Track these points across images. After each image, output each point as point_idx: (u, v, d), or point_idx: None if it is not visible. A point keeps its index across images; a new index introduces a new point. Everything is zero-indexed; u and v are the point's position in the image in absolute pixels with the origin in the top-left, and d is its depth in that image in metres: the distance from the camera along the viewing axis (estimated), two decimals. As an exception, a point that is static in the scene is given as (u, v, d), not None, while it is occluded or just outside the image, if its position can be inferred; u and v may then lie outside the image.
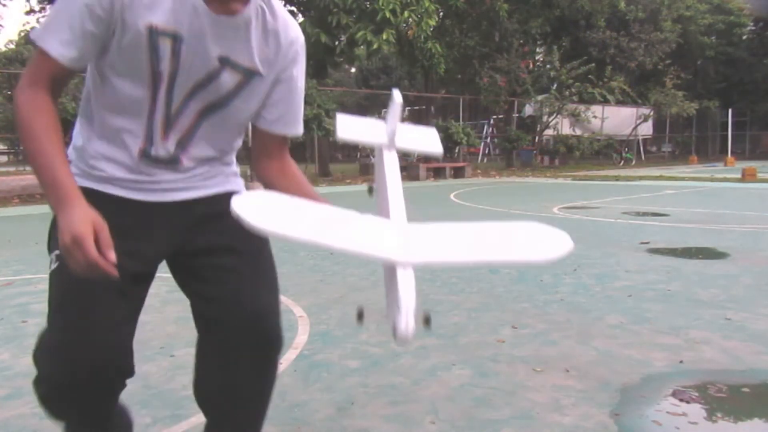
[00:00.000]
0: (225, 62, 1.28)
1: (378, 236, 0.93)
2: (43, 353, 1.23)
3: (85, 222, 1.10)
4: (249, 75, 1.32)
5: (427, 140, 1.54)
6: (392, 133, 1.34)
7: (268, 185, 1.42)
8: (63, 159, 1.20)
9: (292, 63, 1.38)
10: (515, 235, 0.98)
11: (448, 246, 0.94)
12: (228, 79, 1.31)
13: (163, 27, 1.21)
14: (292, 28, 1.37)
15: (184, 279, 1.44)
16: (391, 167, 1.26)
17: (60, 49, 1.19)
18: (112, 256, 1.11)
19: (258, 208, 0.88)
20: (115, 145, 1.33)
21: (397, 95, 1.36)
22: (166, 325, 3.33)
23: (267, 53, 1.33)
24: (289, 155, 1.48)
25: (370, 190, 1.35)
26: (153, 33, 1.21)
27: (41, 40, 1.20)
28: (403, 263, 0.87)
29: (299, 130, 1.46)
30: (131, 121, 1.31)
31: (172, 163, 1.36)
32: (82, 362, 1.19)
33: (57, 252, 1.22)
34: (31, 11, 25.16)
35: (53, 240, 1.26)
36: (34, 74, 1.22)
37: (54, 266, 1.26)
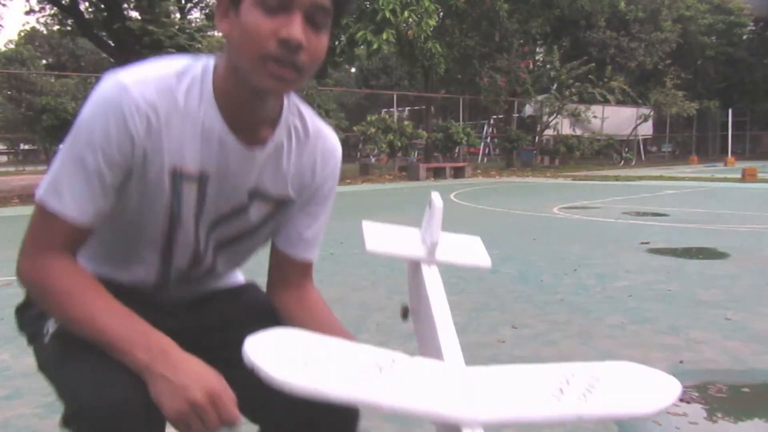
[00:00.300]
0: (255, 195, 1.14)
1: (433, 387, 0.73)
2: (77, 391, 0.96)
3: (216, 376, 0.93)
4: (281, 204, 1.18)
5: (472, 251, 1.29)
6: (433, 245, 1.13)
7: (285, 318, 1.23)
8: (132, 312, 0.99)
9: (328, 179, 1.22)
10: (607, 379, 0.77)
11: (523, 396, 0.73)
12: (258, 211, 1.16)
13: (189, 170, 1.05)
14: (329, 140, 1.21)
15: (212, 355, 1.25)
16: (433, 287, 1.02)
17: (76, 208, 0.98)
18: (238, 414, 0.94)
19: (278, 354, 0.71)
20: (121, 273, 1.17)
21: (436, 199, 1.15)
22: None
23: (302, 176, 1.18)
24: (311, 284, 1.28)
25: (405, 314, 1.12)
26: (177, 177, 1.05)
27: (51, 200, 0.98)
28: (470, 423, 0.68)
29: (315, 254, 1.27)
30: (143, 256, 1.15)
31: (188, 284, 1.24)
32: (121, 388, 0.95)
33: (51, 321, 1.09)
34: (31, 11, 25.12)
35: (32, 318, 1.16)
36: (45, 240, 1.00)
37: (54, 329, 1.09)
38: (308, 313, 1.22)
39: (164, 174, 1.03)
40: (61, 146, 1.04)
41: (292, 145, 1.14)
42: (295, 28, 0.92)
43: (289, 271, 1.24)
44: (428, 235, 1.16)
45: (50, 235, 0.99)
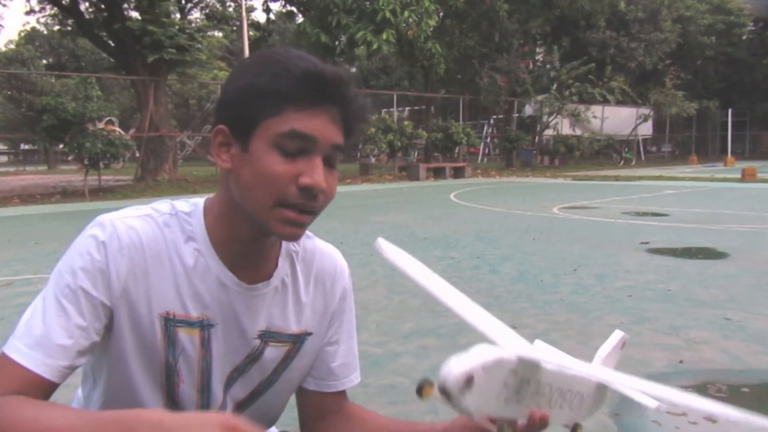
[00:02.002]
0: (267, 337, 1.03)
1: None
2: None
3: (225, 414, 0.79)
4: (298, 340, 1.07)
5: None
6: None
7: None
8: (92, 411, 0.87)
9: (342, 301, 1.13)
10: None
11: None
12: (273, 355, 1.05)
13: (184, 315, 0.95)
14: (332, 258, 1.12)
15: None
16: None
17: (48, 362, 0.85)
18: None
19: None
20: None
21: (617, 336, 1.01)
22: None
23: (314, 304, 1.08)
24: (349, 402, 1.16)
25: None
26: (170, 323, 0.95)
27: (20, 354, 0.85)
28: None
29: (358, 376, 1.16)
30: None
31: None
32: None
33: None
34: (31, 11, 25.15)
35: None
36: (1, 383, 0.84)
37: None
38: (355, 425, 1.13)
39: (154, 319, 0.94)
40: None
41: (297, 274, 1.06)
42: (319, 174, 0.85)
43: (325, 405, 1.13)
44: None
45: (9, 383, 0.84)
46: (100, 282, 0.89)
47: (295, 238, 0.90)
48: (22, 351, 0.85)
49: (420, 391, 0.79)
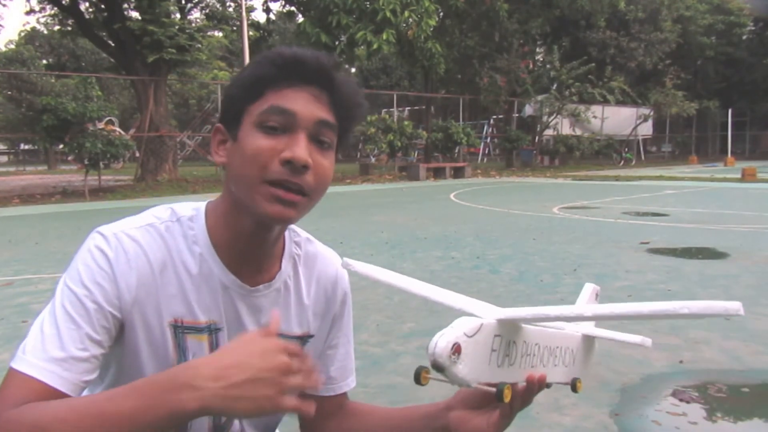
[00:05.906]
0: None
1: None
2: None
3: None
4: (300, 342, 1.07)
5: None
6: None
7: None
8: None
9: (342, 304, 1.14)
10: None
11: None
12: None
13: (192, 321, 0.95)
14: (333, 262, 1.13)
15: None
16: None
17: (64, 375, 0.82)
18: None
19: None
20: None
21: (589, 289, 1.09)
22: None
23: (315, 307, 1.10)
24: (348, 399, 1.17)
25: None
26: (179, 330, 0.95)
27: (36, 368, 0.81)
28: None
29: (354, 380, 1.17)
30: None
31: None
32: None
33: None
34: (31, 11, 25.12)
35: None
36: (13, 397, 0.79)
37: None
38: (354, 420, 1.13)
39: (165, 328, 0.94)
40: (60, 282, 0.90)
41: (299, 277, 1.07)
42: (300, 148, 0.85)
43: (325, 408, 1.12)
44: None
45: (24, 396, 0.80)
46: (111, 294, 0.88)
47: (285, 217, 0.89)
48: (38, 366, 0.82)
49: (417, 378, 0.83)
